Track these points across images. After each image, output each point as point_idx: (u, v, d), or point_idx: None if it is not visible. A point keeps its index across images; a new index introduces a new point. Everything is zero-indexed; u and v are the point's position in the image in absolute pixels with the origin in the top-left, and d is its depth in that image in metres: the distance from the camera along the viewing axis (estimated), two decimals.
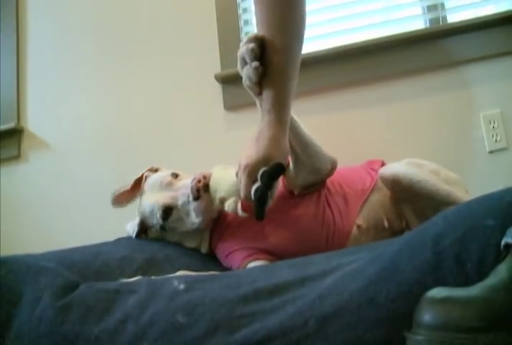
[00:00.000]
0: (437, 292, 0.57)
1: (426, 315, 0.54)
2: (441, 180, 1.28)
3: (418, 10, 2.04)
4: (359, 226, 1.28)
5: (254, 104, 1.15)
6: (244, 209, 1.14)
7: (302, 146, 1.22)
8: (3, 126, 2.24)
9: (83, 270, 0.99)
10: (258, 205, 1.01)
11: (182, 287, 0.81)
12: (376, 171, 1.38)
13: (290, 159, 1.24)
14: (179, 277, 0.86)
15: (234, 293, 0.79)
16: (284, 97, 1.07)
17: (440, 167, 1.35)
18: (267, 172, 1.01)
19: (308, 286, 0.76)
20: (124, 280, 0.97)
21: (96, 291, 0.86)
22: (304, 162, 1.24)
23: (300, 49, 1.12)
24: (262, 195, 1.01)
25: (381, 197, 1.34)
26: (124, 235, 1.41)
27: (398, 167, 1.31)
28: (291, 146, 1.18)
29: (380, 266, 0.71)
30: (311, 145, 1.24)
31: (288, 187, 1.30)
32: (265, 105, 1.07)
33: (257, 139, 1.05)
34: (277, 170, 1.01)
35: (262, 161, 1.02)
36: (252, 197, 1.03)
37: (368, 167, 1.43)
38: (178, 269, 1.12)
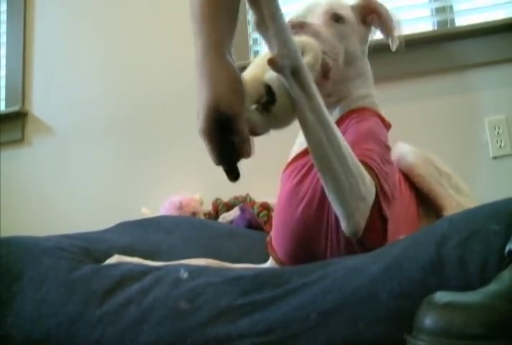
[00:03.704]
0: (439, 297, 0.56)
1: (428, 320, 0.53)
2: (451, 186, 1.20)
3: (426, 11, 2.05)
4: None
5: None
6: None
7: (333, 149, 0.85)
8: (8, 109, 2.25)
9: (83, 256, 0.99)
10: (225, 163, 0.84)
11: (185, 275, 0.82)
12: None
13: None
14: (184, 266, 0.87)
15: (237, 281, 0.80)
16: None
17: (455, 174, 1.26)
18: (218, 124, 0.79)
19: (311, 275, 0.77)
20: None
21: (100, 275, 0.87)
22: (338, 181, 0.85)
23: None
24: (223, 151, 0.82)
25: None
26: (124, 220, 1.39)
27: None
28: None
29: (384, 264, 0.72)
30: (346, 152, 0.87)
31: None
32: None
33: (200, 76, 0.83)
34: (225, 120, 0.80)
35: (212, 108, 0.80)
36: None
37: None
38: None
